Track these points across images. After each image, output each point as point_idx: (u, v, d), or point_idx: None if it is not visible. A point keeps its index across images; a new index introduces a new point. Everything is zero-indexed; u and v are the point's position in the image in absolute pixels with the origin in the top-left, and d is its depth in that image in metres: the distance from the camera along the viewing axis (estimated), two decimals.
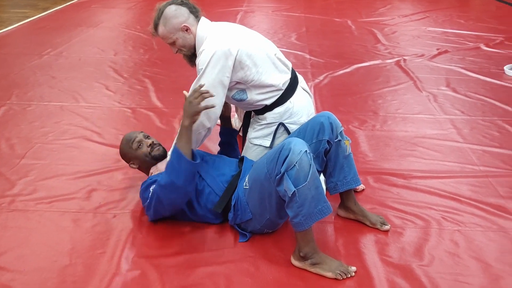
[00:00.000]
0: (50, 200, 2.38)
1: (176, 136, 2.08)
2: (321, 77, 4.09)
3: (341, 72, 4.30)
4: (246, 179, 2.05)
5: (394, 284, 1.88)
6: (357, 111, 3.48)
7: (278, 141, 2.29)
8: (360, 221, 2.21)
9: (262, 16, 6.30)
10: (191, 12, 2.22)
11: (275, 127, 2.28)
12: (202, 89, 1.98)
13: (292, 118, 2.27)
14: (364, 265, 1.97)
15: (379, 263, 1.98)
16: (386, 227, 2.17)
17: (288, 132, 2.28)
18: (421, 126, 3.28)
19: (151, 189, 2.11)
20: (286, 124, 2.27)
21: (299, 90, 2.32)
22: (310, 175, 1.83)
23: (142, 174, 2.44)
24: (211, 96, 2.00)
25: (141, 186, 2.21)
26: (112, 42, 5.15)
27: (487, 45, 5.16)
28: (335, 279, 1.88)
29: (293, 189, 1.81)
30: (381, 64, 4.55)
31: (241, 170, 2.16)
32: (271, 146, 2.30)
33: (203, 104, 1.98)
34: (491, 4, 7.70)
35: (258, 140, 2.32)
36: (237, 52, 2.10)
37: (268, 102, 2.24)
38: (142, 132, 2.37)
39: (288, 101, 2.26)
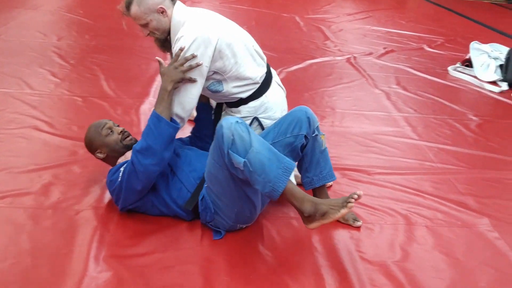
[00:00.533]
0: (2, 195, 2.19)
1: (156, 103, 2.01)
2: (277, 71, 4.06)
3: (295, 67, 4.31)
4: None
5: (372, 280, 1.89)
6: (315, 107, 3.48)
7: None
8: None
9: (210, 8, 6.16)
10: None
11: (249, 121, 2.22)
12: (186, 55, 1.98)
13: (266, 113, 2.23)
14: (341, 262, 1.97)
15: (356, 260, 1.99)
16: (359, 223, 2.19)
17: (262, 127, 2.23)
18: (377, 123, 3.35)
19: (121, 169, 2.01)
20: (260, 119, 2.22)
21: (274, 84, 2.27)
22: (252, 139, 1.82)
23: (104, 168, 2.30)
24: (197, 62, 2.00)
25: (109, 172, 2.09)
26: (54, 27, 4.85)
27: (430, 46, 5.37)
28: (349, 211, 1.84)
29: (242, 160, 1.78)
30: (332, 61, 4.60)
31: None
32: None
33: (188, 71, 2.00)
34: (428, 7, 8.05)
35: None
36: (217, 41, 2.03)
37: (244, 95, 2.18)
38: (110, 120, 2.25)
39: (264, 95, 2.21)
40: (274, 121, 2.23)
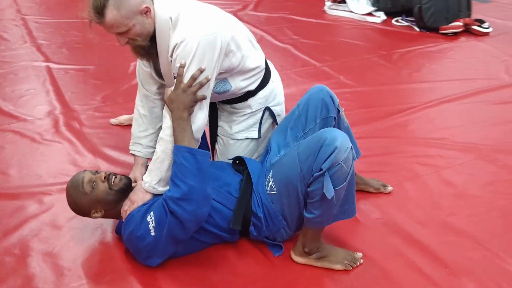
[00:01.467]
0: None
1: (175, 136, 1.63)
2: None
3: None
4: (271, 183, 1.71)
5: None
6: None
7: (264, 128, 1.97)
8: (362, 189, 2.10)
9: None
10: None
11: (260, 113, 1.94)
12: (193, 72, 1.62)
13: (275, 99, 1.97)
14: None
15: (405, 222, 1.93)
16: (390, 188, 2.12)
17: (273, 116, 1.97)
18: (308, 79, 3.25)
19: (149, 220, 1.61)
20: (271, 108, 1.95)
21: (271, 65, 2.00)
22: (350, 174, 1.61)
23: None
24: (207, 77, 1.63)
25: (123, 227, 1.68)
26: None
27: None
28: (345, 270, 1.73)
29: (333, 191, 1.56)
30: None
31: (249, 175, 1.79)
32: (259, 136, 1.96)
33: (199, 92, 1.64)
34: None
35: (243, 134, 1.95)
36: (221, 38, 1.66)
37: (253, 87, 1.88)
38: (85, 170, 1.77)
39: (271, 81, 1.94)
40: (281, 106, 1.99)
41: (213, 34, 1.63)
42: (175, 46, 1.62)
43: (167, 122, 1.66)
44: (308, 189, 1.59)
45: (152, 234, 1.60)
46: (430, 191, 2.13)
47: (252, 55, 1.83)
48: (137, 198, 1.71)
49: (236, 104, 1.93)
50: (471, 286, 1.65)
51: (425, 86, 3.15)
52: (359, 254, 1.76)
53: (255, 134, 1.96)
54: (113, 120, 2.63)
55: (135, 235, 1.64)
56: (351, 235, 1.88)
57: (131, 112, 2.14)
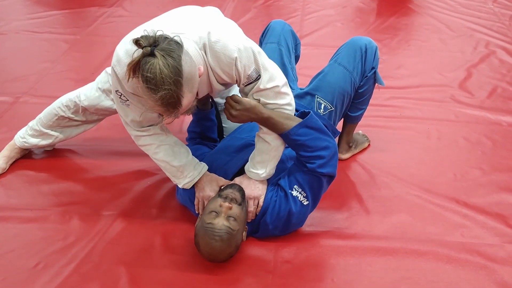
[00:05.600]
0: None
1: (276, 130, 1.67)
2: None
3: None
4: (324, 104, 1.93)
5: None
6: None
7: None
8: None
9: None
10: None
11: None
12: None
13: None
14: None
15: None
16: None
17: None
18: None
19: (296, 193, 1.71)
20: None
21: None
22: None
23: None
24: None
25: (268, 217, 1.74)
26: None
27: None
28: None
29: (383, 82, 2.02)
30: None
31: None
32: None
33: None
34: None
35: None
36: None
37: None
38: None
39: None
40: None
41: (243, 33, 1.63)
42: (234, 62, 1.53)
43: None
44: (359, 90, 1.98)
45: (305, 203, 1.71)
46: None
47: None
48: (259, 191, 1.74)
49: None
50: None
51: None
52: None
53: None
54: None
55: (286, 213, 1.71)
56: None
57: None
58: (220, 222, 1.57)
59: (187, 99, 1.37)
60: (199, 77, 1.43)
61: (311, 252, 1.75)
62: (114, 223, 1.87)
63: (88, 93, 2.04)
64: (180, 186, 1.79)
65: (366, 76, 1.95)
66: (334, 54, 2.02)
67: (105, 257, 1.73)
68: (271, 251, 1.74)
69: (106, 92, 2.01)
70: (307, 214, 1.76)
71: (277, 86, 1.63)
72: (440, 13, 3.62)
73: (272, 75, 1.62)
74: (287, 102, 1.68)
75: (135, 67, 1.30)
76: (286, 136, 1.66)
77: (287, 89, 1.68)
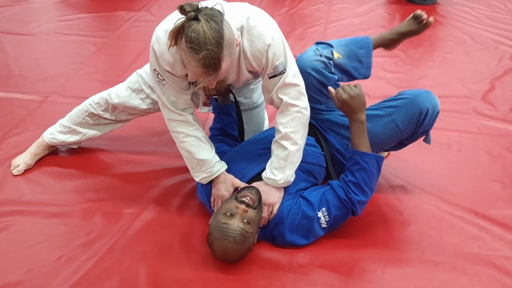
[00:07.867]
0: None
1: (353, 139, 1.76)
2: None
3: None
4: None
5: None
6: None
7: None
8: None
9: None
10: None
11: None
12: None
13: None
14: None
15: None
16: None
17: None
18: None
19: (321, 214, 1.73)
20: None
21: None
22: None
23: None
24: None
25: (282, 224, 1.76)
26: None
27: None
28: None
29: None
30: None
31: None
32: None
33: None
34: None
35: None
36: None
37: None
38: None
39: None
40: None
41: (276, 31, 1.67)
42: (267, 48, 1.59)
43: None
44: (404, 141, 1.93)
45: (323, 226, 1.75)
46: None
47: None
48: (275, 199, 1.76)
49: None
50: None
51: None
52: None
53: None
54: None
55: (306, 231, 1.75)
56: None
57: None
58: (235, 223, 1.60)
59: (226, 63, 1.45)
60: (236, 46, 1.51)
61: (327, 257, 1.76)
62: (135, 221, 1.92)
63: (118, 92, 2.13)
64: (196, 180, 1.84)
65: (415, 135, 1.91)
66: (393, 99, 1.89)
67: (126, 253, 1.78)
68: (286, 255, 1.76)
69: (136, 91, 2.09)
70: (319, 235, 1.78)
71: (299, 85, 1.69)
72: (465, 25, 3.61)
73: (297, 72, 1.69)
74: (305, 105, 1.72)
75: (179, 31, 1.39)
76: (358, 153, 1.71)
77: (305, 92, 1.73)
